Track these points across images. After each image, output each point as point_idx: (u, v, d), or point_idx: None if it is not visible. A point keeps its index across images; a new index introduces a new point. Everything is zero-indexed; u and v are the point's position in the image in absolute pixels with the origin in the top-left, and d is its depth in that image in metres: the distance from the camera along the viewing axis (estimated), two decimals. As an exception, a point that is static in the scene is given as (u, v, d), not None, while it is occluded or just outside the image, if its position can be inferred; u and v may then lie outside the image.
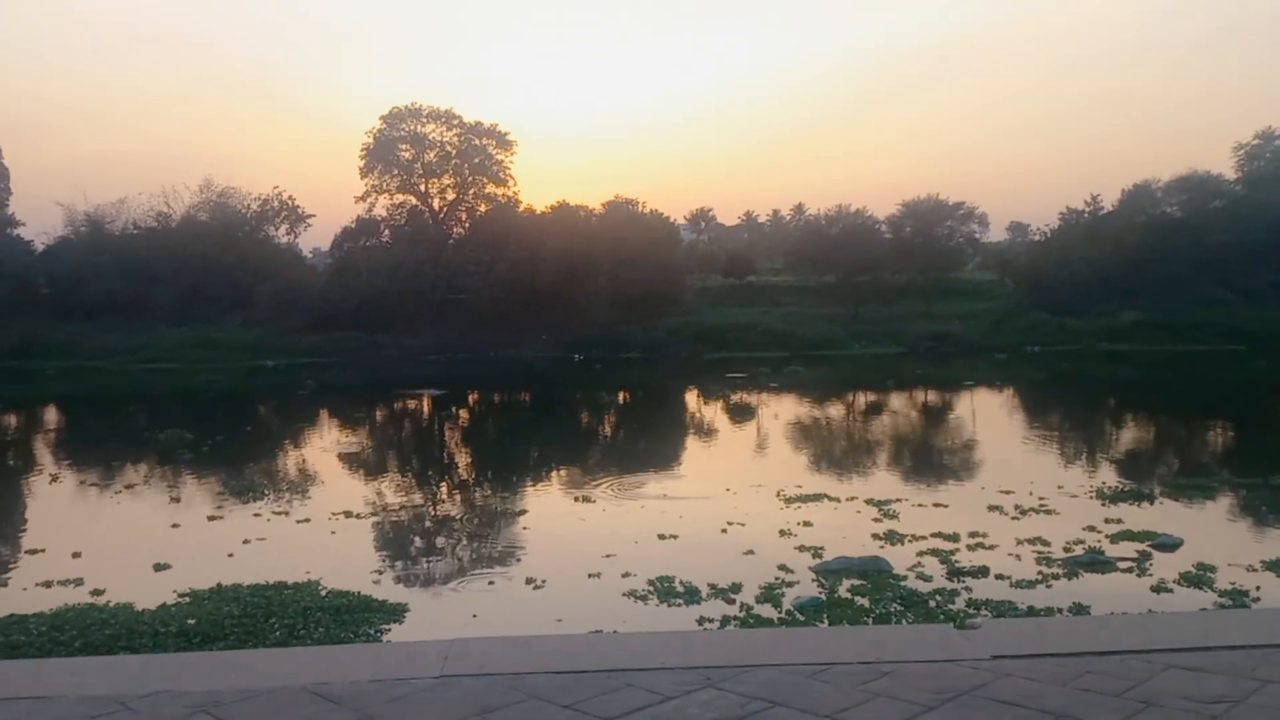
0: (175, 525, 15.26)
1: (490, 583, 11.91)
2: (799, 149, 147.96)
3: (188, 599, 10.85)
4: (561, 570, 12.04)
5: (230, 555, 13.02)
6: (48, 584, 11.68)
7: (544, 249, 55.67)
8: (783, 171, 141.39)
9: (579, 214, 61.03)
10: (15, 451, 26.41)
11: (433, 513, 16.80)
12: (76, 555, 12.96)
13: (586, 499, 16.74)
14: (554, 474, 20.77)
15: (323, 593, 11.15)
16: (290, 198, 64.98)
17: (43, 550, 13.52)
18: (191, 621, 10.07)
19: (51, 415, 35.39)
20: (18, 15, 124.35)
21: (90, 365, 48.23)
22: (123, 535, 15.10)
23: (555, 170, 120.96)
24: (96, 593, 11.23)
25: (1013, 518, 14.36)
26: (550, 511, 16.15)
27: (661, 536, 13.58)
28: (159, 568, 12.34)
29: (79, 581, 11.69)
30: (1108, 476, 18.00)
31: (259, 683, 3.39)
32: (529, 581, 11.63)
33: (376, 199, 62.60)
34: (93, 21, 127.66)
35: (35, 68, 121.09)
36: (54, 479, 20.44)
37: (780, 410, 31.72)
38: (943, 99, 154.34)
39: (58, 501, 18.22)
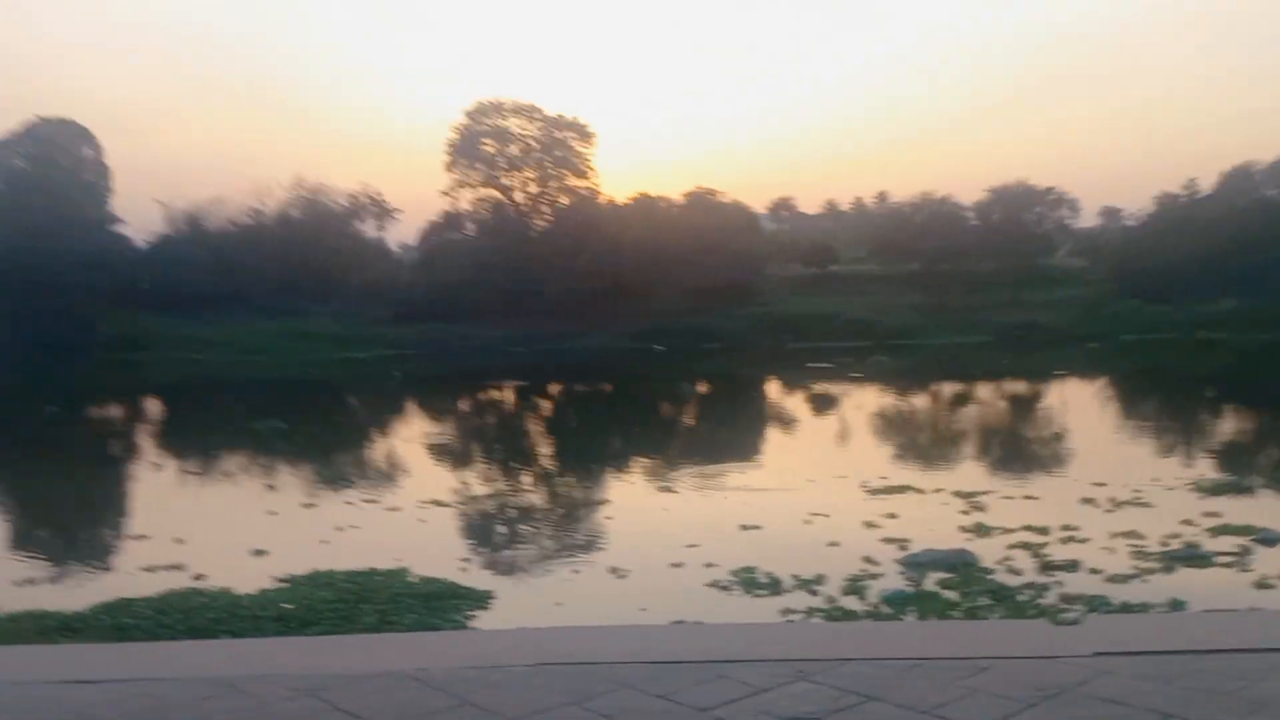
0: (272, 512, 15.71)
1: (575, 571, 12.02)
2: (882, 137, 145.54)
3: (285, 584, 11.16)
4: (644, 560, 12.07)
5: (324, 542, 13.33)
6: (152, 569, 12.10)
7: (625, 240, 55.87)
8: (865, 160, 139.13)
9: (659, 205, 61.11)
10: (121, 440, 27.49)
11: (517, 502, 17.01)
12: (179, 541, 13.39)
13: (668, 489, 16.77)
14: (636, 464, 20.84)
15: (412, 579, 11.37)
16: (378, 193, 66.23)
17: (147, 536, 14.03)
18: (288, 606, 10.37)
19: (154, 406, 36.69)
20: (114, 16, 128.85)
21: (189, 357, 49.83)
22: (222, 521, 15.57)
23: (636, 161, 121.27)
24: (198, 577, 11.59)
25: (1106, 510, 13.97)
26: (632, 501, 16.23)
27: (744, 527, 13.53)
28: (257, 553, 12.70)
29: (182, 566, 12.08)
30: (1205, 469, 17.41)
31: (361, 667, 3.50)
32: (612, 570, 11.69)
33: (461, 193, 63.46)
34: (181, 22, 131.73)
35: (131, 67, 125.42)
36: (157, 467, 21.23)
37: (863, 400, 31.35)
38: (1032, 83, 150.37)
39: (161, 488, 18.91)
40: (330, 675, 3.39)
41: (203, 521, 15.41)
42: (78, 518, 16.89)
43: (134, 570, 12.22)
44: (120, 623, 10.00)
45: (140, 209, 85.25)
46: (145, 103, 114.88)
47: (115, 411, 34.96)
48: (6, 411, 33.07)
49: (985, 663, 3.53)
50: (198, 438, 26.18)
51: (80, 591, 11.35)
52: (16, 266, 48.59)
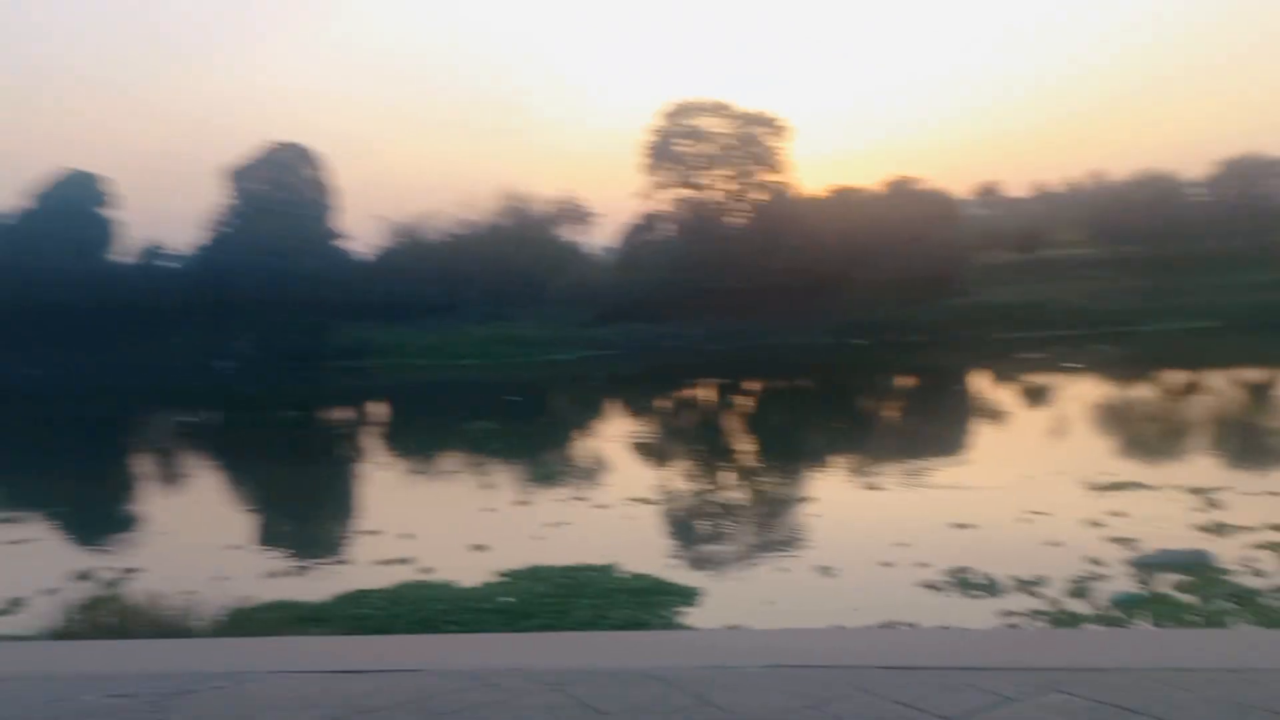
0: (488, 509, 16.39)
1: (782, 569, 11.95)
2: (1092, 112, 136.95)
3: (504, 578, 11.62)
4: (852, 558, 11.88)
5: (537, 538, 13.81)
6: (384, 562, 12.87)
7: (822, 234, 55.17)
8: (1075, 138, 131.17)
9: (857, 196, 60.05)
10: (350, 442, 29.36)
11: (722, 499, 17.07)
12: (406, 536, 14.18)
13: (875, 486, 16.43)
14: (840, 460, 20.49)
15: (622, 575, 11.62)
16: (578, 198, 68.06)
17: (378, 531, 14.92)
18: (508, 599, 10.80)
19: (378, 410, 38.97)
20: (334, 49, 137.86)
21: (410, 363, 52.62)
22: (444, 518, 16.38)
23: (832, 152, 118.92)
24: (425, 571, 12.24)
25: (1367, 509, 12.71)
26: (838, 498, 15.99)
27: (956, 526, 13.09)
28: (476, 548, 13.29)
29: (409, 560, 12.78)
30: None
31: (599, 663, 3.61)
32: (820, 569, 11.56)
33: (657, 194, 64.30)
34: (393, 53, 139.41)
35: (353, 96, 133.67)
36: (384, 466, 22.55)
37: (1082, 391, 29.67)
38: (1258, 43, 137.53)
39: (387, 486, 20.09)
40: (572, 671, 3.51)
41: (426, 518, 16.26)
42: (316, 514, 18.17)
43: (367, 563, 13.02)
44: (358, 613, 10.68)
45: (363, 225, 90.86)
46: (366, 126, 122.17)
47: (344, 415, 37.37)
48: (250, 418, 35.97)
49: (1253, 675, 3.26)
50: (418, 439, 27.62)
51: (322, 583, 12.18)
52: (257, 282, 52.94)
